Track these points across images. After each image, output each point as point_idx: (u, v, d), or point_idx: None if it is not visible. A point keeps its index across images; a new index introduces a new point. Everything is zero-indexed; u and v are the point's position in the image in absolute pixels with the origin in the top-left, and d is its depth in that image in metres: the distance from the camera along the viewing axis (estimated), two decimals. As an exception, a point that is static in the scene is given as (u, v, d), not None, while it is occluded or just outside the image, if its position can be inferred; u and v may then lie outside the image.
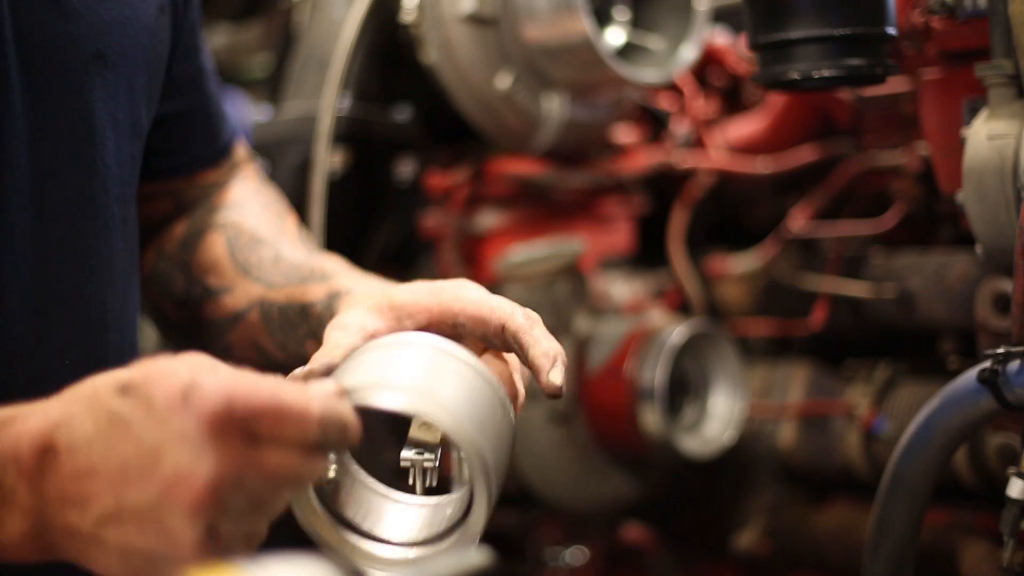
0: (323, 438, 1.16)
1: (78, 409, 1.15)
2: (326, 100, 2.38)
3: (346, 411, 1.18)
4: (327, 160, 2.36)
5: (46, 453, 1.14)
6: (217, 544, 1.11)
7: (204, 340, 1.79)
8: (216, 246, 1.79)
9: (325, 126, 2.36)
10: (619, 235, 2.66)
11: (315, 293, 1.66)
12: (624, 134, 2.67)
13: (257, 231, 1.81)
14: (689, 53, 2.46)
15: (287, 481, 1.15)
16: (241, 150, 1.94)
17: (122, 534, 1.12)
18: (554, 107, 2.42)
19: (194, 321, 1.80)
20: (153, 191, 1.76)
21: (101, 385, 1.16)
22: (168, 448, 1.10)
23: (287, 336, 1.71)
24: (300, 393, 1.15)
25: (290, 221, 1.89)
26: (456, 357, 1.29)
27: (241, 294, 1.75)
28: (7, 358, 1.45)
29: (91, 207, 1.53)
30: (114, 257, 1.57)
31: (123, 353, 1.59)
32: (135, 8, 1.57)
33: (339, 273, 1.69)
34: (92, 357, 1.51)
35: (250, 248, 1.78)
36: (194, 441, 1.10)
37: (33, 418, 1.16)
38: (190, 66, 1.79)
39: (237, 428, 1.12)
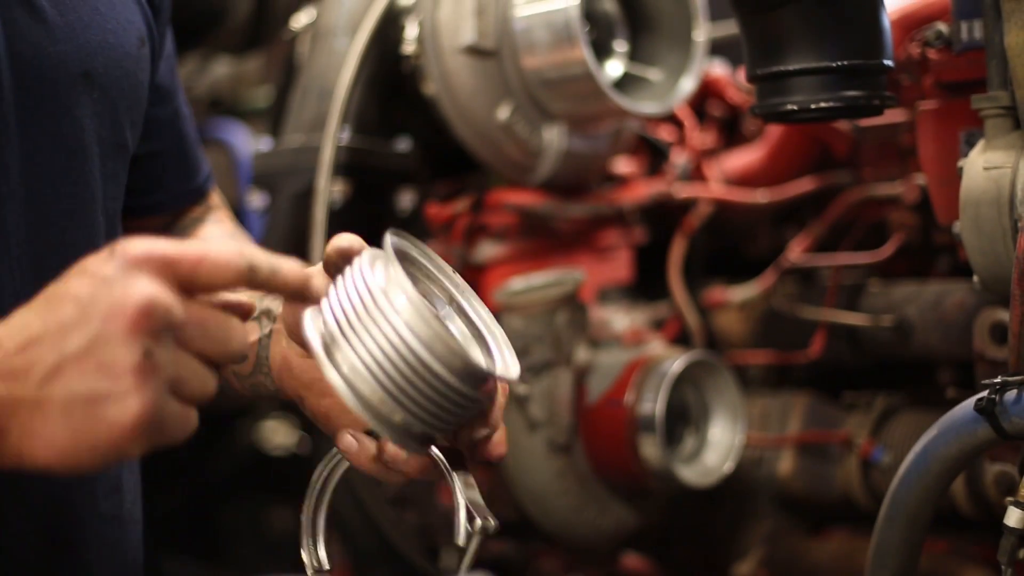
0: (242, 281, 1.23)
1: (16, 312, 1.23)
2: (327, 131, 2.39)
3: (290, 268, 1.27)
4: (327, 191, 2.37)
5: None
6: (154, 373, 1.16)
7: None
8: None
9: (326, 157, 2.37)
10: (619, 265, 2.66)
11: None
12: (624, 165, 2.68)
13: None
14: (688, 85, 2.47)
15: (213, 329, 1.22)
16: (216, 196, 1.99)
17: (64, 385, 1.17)
18: (554, 138, 2.43)
19: None
20: (129, 228, 1.78)
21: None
22: (100, 292, 1.18)
23: None
24: (230, 250, 1.24)
25: None
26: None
27: None
28: None
29: (80, 217, 1.57)
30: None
31: None
32: (118, 36, 1.62)
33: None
34: None
35: None
36: (122, 278, 1.18)
37: None
38: (167, 108, 1.85)
39: (161, 267, 1.20)
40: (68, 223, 1.56)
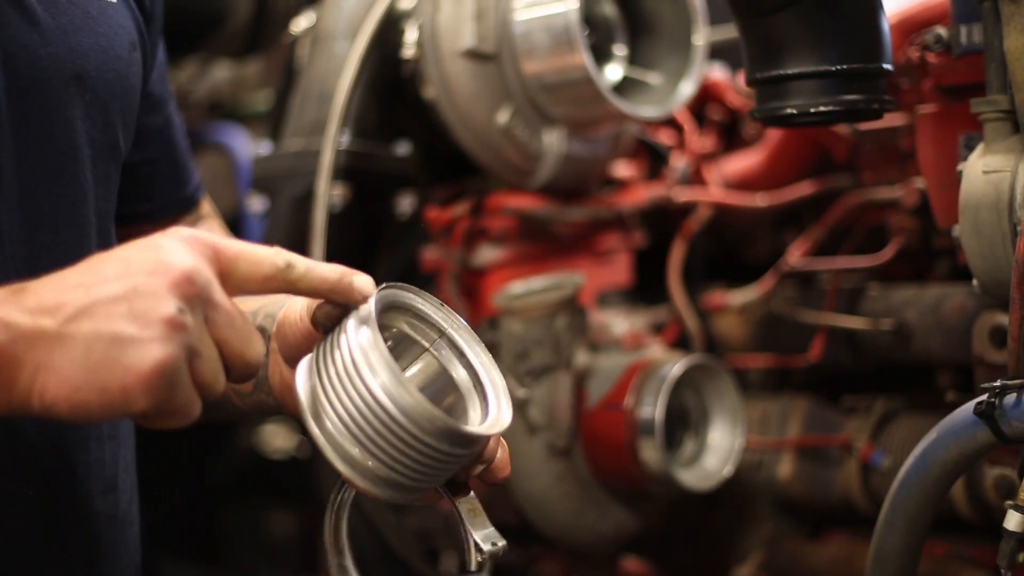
0: (284, 273, 1.32)
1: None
2: (327, 135, 2.39)
3: (326, 267, 1.35)
4: (327, 194, 2.37)
5: (22, 286, 1.25)
6: (183, 331, 1.21)
7: None
8: None
9: (326, 161, 2.37)
10: (618, 269, 2.66)
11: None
12: (623, 169, 2.69)
13: None
14: (687, 89, 2.47)
15: (239, 327, 1.28)
16: (207, 205, 2.01)
17: (93, 323, 1.21)
18: (553, 142, 2.43)
19: None
20: (121, 235, 1.79)
21: None
22: (147, 253, 1.25)
23: None
24: (268, 248, 1.33)
25: None
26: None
27: None
28: None
29: (73, 216, 1.59)
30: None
31: None
32: (110, 39, 1.64)
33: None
34: None
35: None
36: (170, 245, 1.25)
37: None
38: (159, 117, 1.87)
39: (208, 252, 1.27)
40: (61, 222, 1.58)
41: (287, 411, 1.61)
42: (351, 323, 1.35)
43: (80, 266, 1.26)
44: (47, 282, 1.24)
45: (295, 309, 1.51)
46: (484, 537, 1.41)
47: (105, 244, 1.66)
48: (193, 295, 1.23)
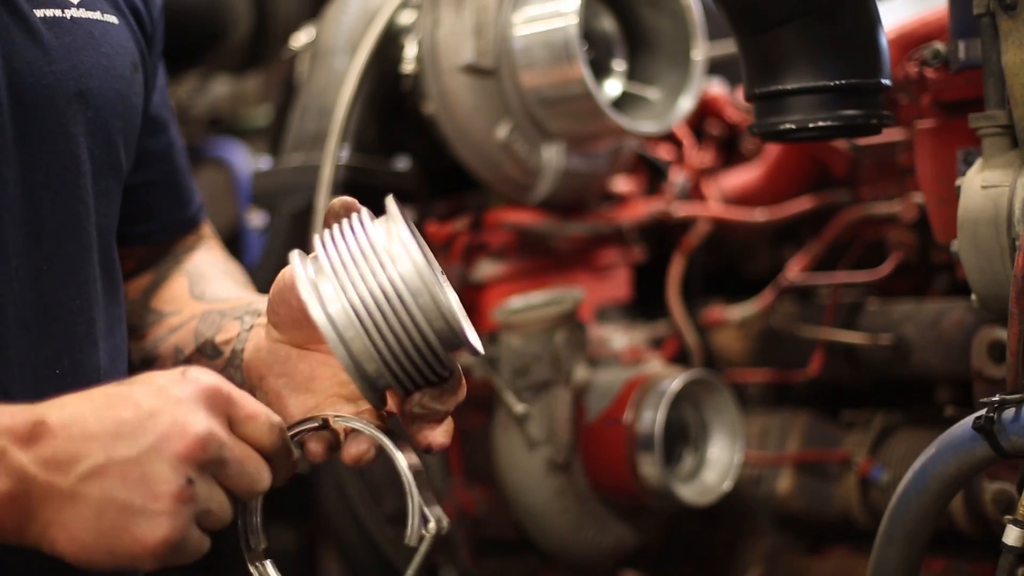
0: (275, 449, 1.34)
1: (71, 399, 1.30)
2: (327, 150, 2.39)
3: (288, 445, 1.37)
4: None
5: (39, 424, 1.26)
6: (191, 502, 1.25)
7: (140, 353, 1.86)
8: (177, 285, 1.89)
9: (326, 175, 2.38)
10: (617, 284, 2.67)
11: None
12: (622, 184, 2.69)
13: (220, 278, 1.91)
14: (686, 104, 2.48)
15: (249, 471, 1.31)
16: (208, 228, 2.02)
17: (104, 487, 1.24)
18: (552, 157, 2.43)
19: (139, 341, 1.87)
20: (122, 255, 1.80)
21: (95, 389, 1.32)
22: (165, 409, 1.26)
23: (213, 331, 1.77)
24: (277, 420, 1.35)
25: (251, 288, 1.96)
26: None
27: (187, 312, 1.83)
28: (4, 366, 1.51)
29: (75, 230, 1.60)
30: (93, 277, 1.64)
31: (114, 371, 1.67)
32: (112, 59, 1.66)
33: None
34: (82, 370, 1.60)
35: (208, 282, 1.88)
36: (190, 404, 1.27)
37: (26, 407, 1.29)
38: (160, 139, 1.89)
39: (222, 406, 1.30)
40: (63, 236, 1.59)
41: (245, 385, 1.64)
42: (365, 213, 1.42)
43: (97, 401, 1.28)
44: (63, 424, 1.26)
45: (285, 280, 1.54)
46: (432, 513, 1.42)
47: (106, 259, 1.67)
48: (205, 461, 1.27)
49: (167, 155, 1.91)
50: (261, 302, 1.70)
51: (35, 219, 1.55)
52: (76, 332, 1.61)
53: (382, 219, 1.40)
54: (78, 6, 1.64)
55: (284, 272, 1.54)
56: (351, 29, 2.52)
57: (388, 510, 2.47)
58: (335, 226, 1.41)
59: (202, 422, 1.26)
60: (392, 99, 2.50)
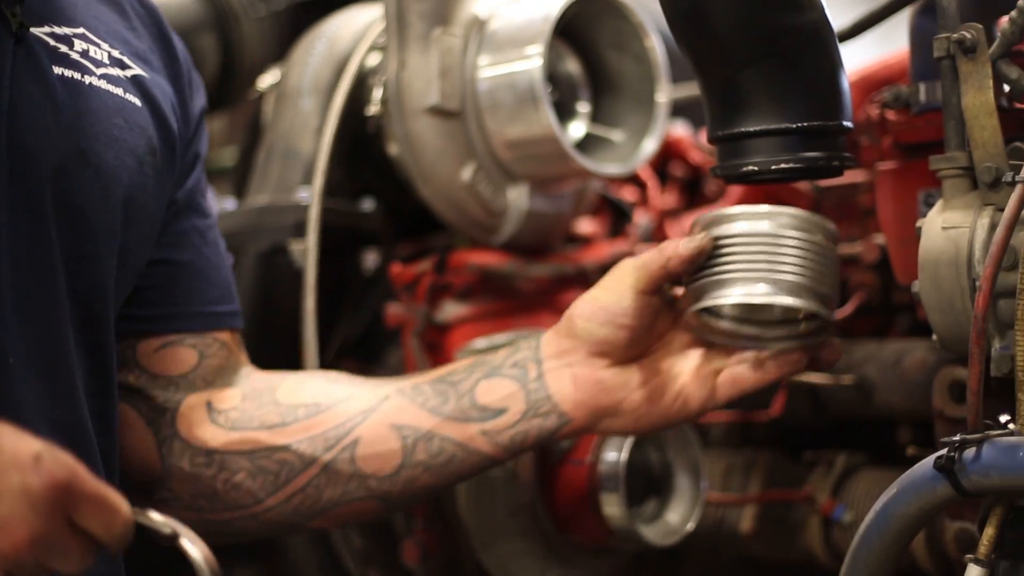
0: (114, 544, 1.28)
1: None
2: (315, 188, 2.40)
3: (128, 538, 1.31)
4: (315, 251, 2.37)
5: None
6: None
7: None
8: (299, 383, 1.98)
9: (314, 215, 2.38)
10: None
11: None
12: (586, 225, 2.70)
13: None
14: (650, 146, 2.49)
15: (73, 561, 1.26)
16: (236, 344, 2.04)
17: None
18: (517, 199, 2.44)
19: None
20: (131, 344, 1.82)
21: None
22: (5, 496, 1.20)
23: None
24: (116, 494, 1.29)
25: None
26: None
27: (364, 395, 1.92)
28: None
29: (43, 284, 1.61)
30: (66, 322, 1.64)
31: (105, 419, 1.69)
32: (124, 132, 1.69)
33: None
34: (67, 421, 1.61)
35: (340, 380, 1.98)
36: (32, 500, 1.21)
37: None
38: (192, 222, 1.92)
39: (64, 504, 1.23)
40: (43, 278, 1.60)
41: (575, 426, 1.84)
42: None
43: None
44: None
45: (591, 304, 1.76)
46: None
47: (88, 333, 1.68)
48: (24, 564, 1.21)
49: (196, 242, 1.93)
50: (519, 353, 1.83)
51: (19, 257, 1.57)
52: (59, 379, 1.63)
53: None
54: (100, 77, 1.67)
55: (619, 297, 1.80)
56: (317, 70, 2.52)
57: (355, 546, 2.47)
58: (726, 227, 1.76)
59: (36, 526, 1.21)
60: (357, 141, 2.51)
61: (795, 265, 1.74)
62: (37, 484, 1.21)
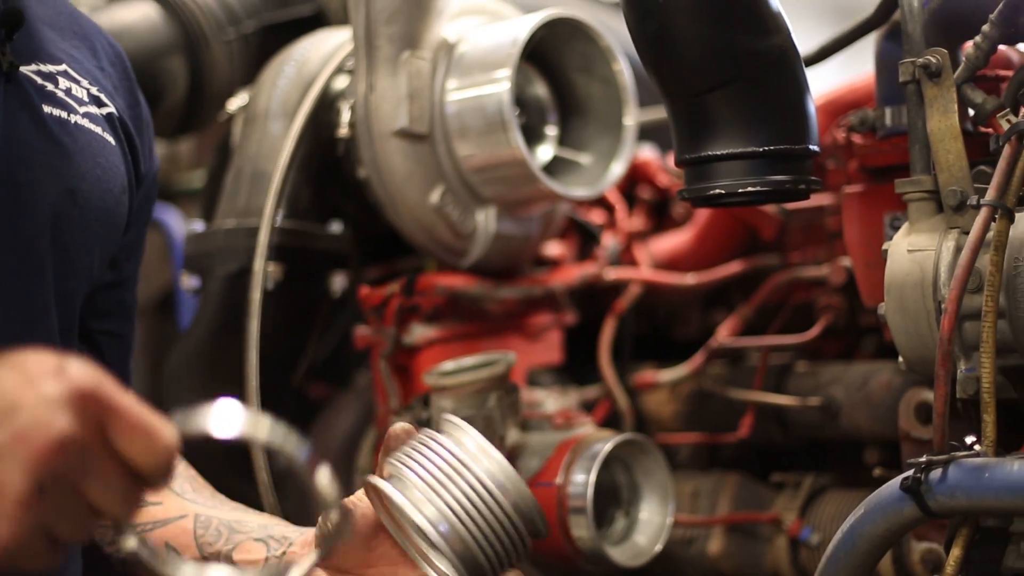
0: (152, 471, 1.20)
1: None
2: (264, 214, 2.40)
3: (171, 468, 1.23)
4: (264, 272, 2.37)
5: None
6: (38, 510, 1.14)
7: None
8: None
9: (263, 239, 2.38)
10: (549, 347, 2.68)
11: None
12: (554, 248, 2.71)
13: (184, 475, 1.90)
14: (618, 169, 2.50)
15: (114, 489, 1.19)
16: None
17: None
18: (485, 221, 2.45)
19: None
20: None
21: None
22: (28, 404, 1.14)
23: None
24: (161, 419, 1.21)
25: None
26: None
27: (172, 507, 1.82)
28: None
29: (33, 323, 1.62)
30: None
31: None
32: (105, 171, 1.71)
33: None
34: None
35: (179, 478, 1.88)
36: (56, 403, 1.14)
37: None
38: (118, 292, 1.89)
39: (97, 412, 1.16)
40: (19, 323, 1.61)
41: None
42: (432, 433, 1.56)
43: None
44: None
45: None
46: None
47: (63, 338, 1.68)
48: (59, 470, 1.15)
49: (123, 308, 1.92)
50: (277, 527, 1.72)
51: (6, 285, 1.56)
52: None
53: (447, 432, 1.55)
54: (83, 116, 1.68)
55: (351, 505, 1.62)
56: (285, 92, 2.53)
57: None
58: (408, 445, 1.50)
59: (64, 426, 1.14)
60: (326, 163, 2.51)
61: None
62: (59, 389, 1.16)
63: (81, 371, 1.18)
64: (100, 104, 1.75)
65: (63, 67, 1.71)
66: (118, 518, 1.22)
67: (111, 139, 1.74)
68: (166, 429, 1.20)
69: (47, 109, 1.63)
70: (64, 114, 1.65)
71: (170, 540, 1.75)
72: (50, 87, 1.66)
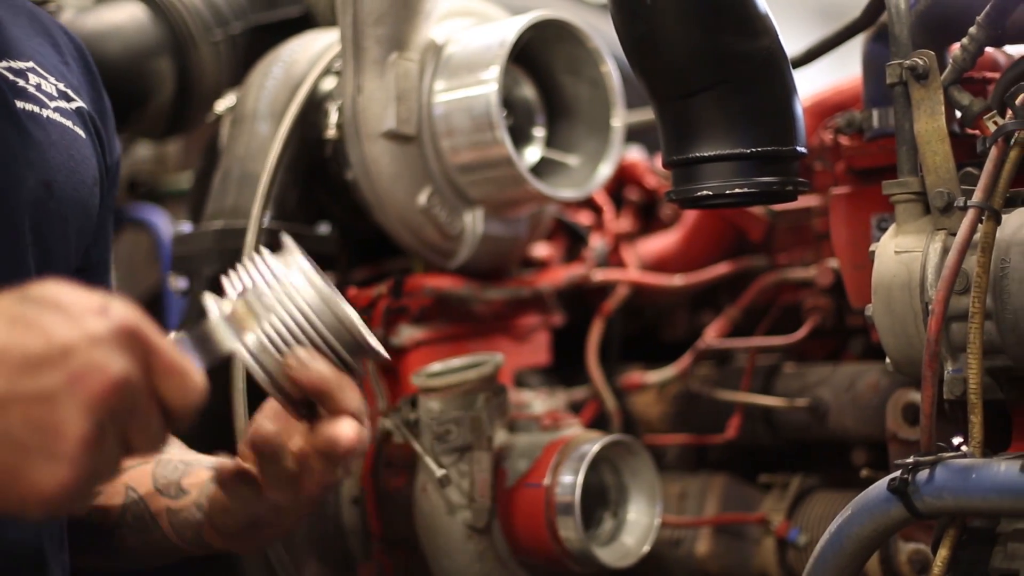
0: (183, 412, 1.23)
1: None
2: (252, 216, 2.40)
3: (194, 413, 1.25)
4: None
5: None
6: (97, 450, 1.15)
7: None
8: None
9: (250, 240, 2.38)
10: (537, 348, 2.68)
11: None
12: (542, 249, 2.71)
13: None
14: (606, 170, 2.50)
15: (152, 429, 1.22)
16: None
17: (3, 420, 1.13)
18: (472, 223, 2.45)
19: None
20: None
21: None
22: (81, 346, 1.15)
23: None
24: (200, 383, 1.24)
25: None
26: None
27: None
28: None
29: None
30: None
31: None
32: (78, 164, 1.71)
33: None
34: None
35: None
36: (109, 344, 1.16)
37: None
38: (86, 276, 1.86)
39: (142, 351, 1.19)
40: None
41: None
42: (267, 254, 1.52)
43: (5, 315, 1.16)
44: None
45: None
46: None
47: None
48: (119, 410, 1.16)
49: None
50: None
51: None
52: None
53: (279, 254, 1.51)
54: (54, 110, 1.69)
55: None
56: (273, 94, 2.52)
57: (312, 570, 2.46)
58: (238, 266, 1.47)
59: (120, 368, 1.15)
60: (314, 165, 2.51)
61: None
62: (106, 327, 1.16)
63: (122, 309, 1.19)
64: (68, 99, 1.76)
65: (31, 63, 1.72)
66: (146, 458, 1.24)
67: (81, 132, 1.75)
68: (197, 371, 1.24)
69: (20, 104, 1.64)
70: (36, 109, 1.66)
71: (128, 482, 1.77)
72: (21, 83, 1.67)
